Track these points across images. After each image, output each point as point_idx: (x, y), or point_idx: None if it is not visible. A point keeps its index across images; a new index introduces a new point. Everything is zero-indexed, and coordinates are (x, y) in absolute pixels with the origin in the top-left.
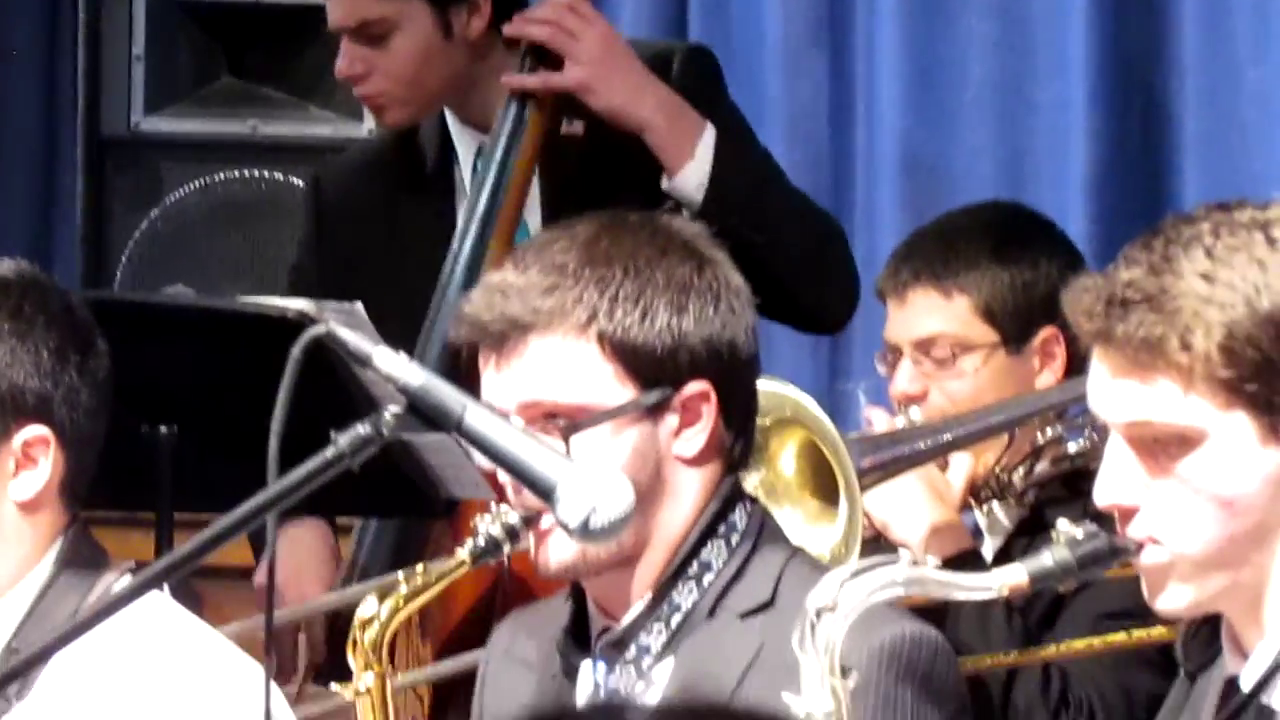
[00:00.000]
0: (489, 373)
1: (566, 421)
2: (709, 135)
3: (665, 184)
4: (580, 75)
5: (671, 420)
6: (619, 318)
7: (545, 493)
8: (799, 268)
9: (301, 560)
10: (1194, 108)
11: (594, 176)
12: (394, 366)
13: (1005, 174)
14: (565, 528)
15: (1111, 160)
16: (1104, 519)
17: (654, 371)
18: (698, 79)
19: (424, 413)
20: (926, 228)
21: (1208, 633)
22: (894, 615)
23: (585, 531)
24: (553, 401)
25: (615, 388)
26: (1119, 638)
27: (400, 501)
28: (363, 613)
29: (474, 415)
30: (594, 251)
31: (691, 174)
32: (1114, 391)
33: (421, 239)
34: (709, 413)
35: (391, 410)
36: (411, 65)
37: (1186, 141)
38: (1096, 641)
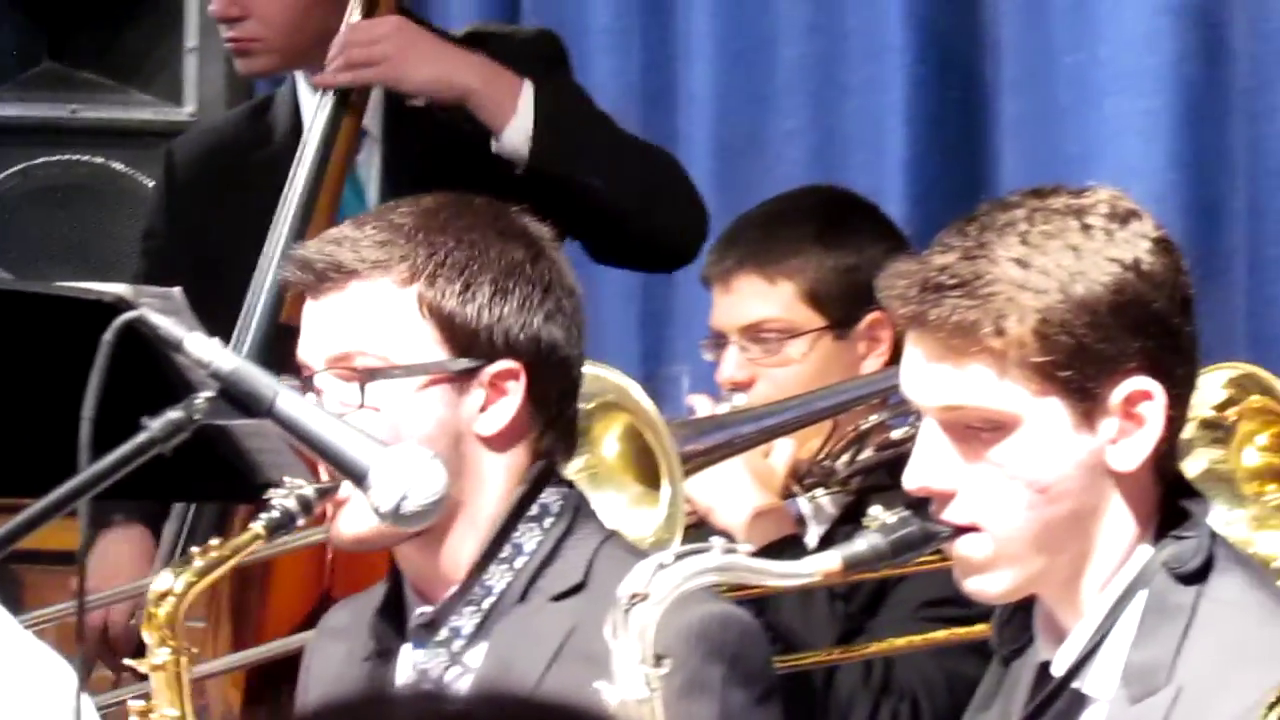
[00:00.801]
0: (306, 315)
1: (365, 370)
2: (528, 90)
3: (494, 145)
4: (384, 69)
5: (477, 395)
6: (440, 284)
7: (358, 477)
8: (642, 201)
9: (117, 562)
10: (1011, 91)
11: (441, 150)
12: (205, 352)
13: (820, 157)
14: (378, 511)
15: (928, 143)
16: (924, 505)
17: (466, 344)
18: (547, 60)
19: (235, 398)
20: (750, 213)
21: (1021, 618)
22: (703, 596)
23: (397, 515)
24: (360, 350)
25: (427, 347)
26: (940, 635)
27: (218, 486)
28: (157, 587)
29: (285, 400)
30: (431, 219)
31: (517, 129)
32: (928, 376)
33: (268, 212)
34: (515, 392)
35: (203, 395)
36: (289, 12)
37: (1003, 124)
38: (918, 639)
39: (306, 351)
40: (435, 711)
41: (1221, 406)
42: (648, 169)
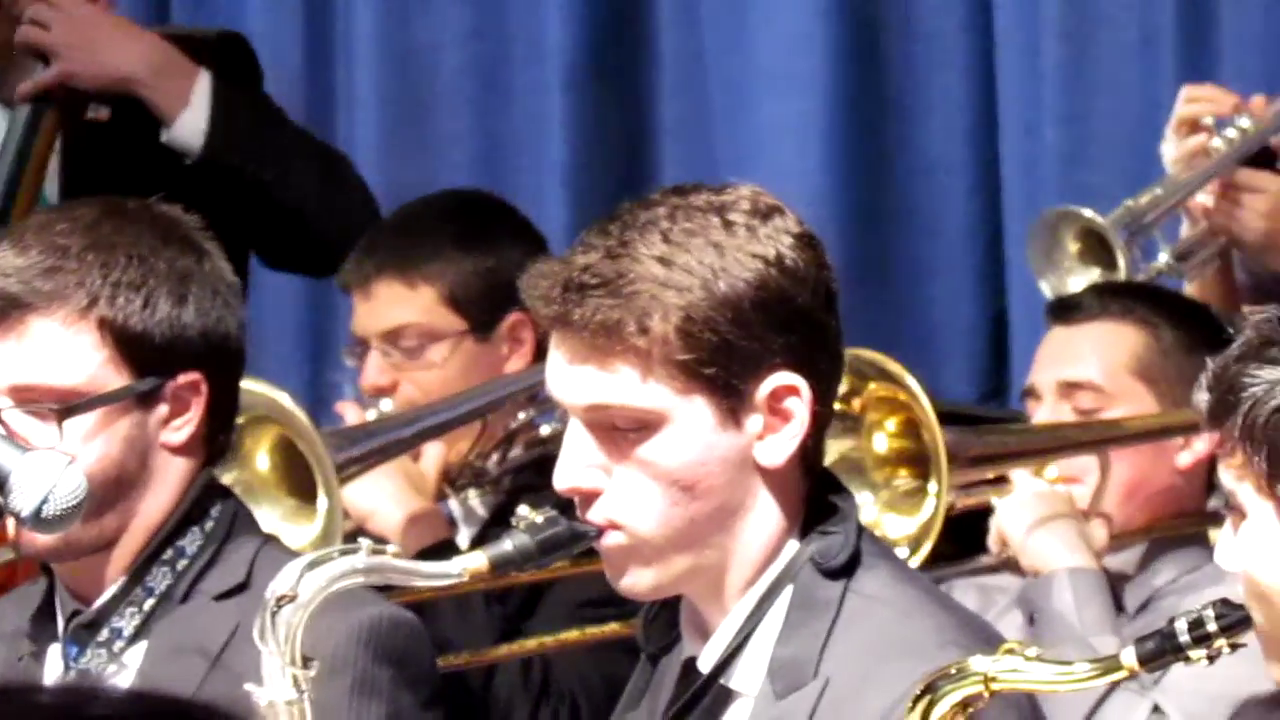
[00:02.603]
0: None
1: (59, 405)
2: (204, 80)
3: (164, 135)
4: (59, 66)
5: (162, 409)
6: (120, 304)
7: None
8: (314, 198)
9: None
10: (669, 95)
11: (119, 160)
12: None
13: (484, 161)
14: (17, 516)
15: (588, 146)
16: (573, 504)
17: (151, 359)
18: (236, 61)
19: None
20: (388, 219)
21: (668, 615)
22: (371, 597)
23: (37, 520)
24: (47, 385)
25: (110, 374)
26: (596, 630)
27: None
28: None
29: None
30: (97, 235)
31: (190, 120)
32: (572, 376)
33: None
34: (199, 404)
35: None
36: None
37: (662, 128)
38: (574, 633)
39: None
40: (81, 707)
41: (845, 398)
42: (323, 169)
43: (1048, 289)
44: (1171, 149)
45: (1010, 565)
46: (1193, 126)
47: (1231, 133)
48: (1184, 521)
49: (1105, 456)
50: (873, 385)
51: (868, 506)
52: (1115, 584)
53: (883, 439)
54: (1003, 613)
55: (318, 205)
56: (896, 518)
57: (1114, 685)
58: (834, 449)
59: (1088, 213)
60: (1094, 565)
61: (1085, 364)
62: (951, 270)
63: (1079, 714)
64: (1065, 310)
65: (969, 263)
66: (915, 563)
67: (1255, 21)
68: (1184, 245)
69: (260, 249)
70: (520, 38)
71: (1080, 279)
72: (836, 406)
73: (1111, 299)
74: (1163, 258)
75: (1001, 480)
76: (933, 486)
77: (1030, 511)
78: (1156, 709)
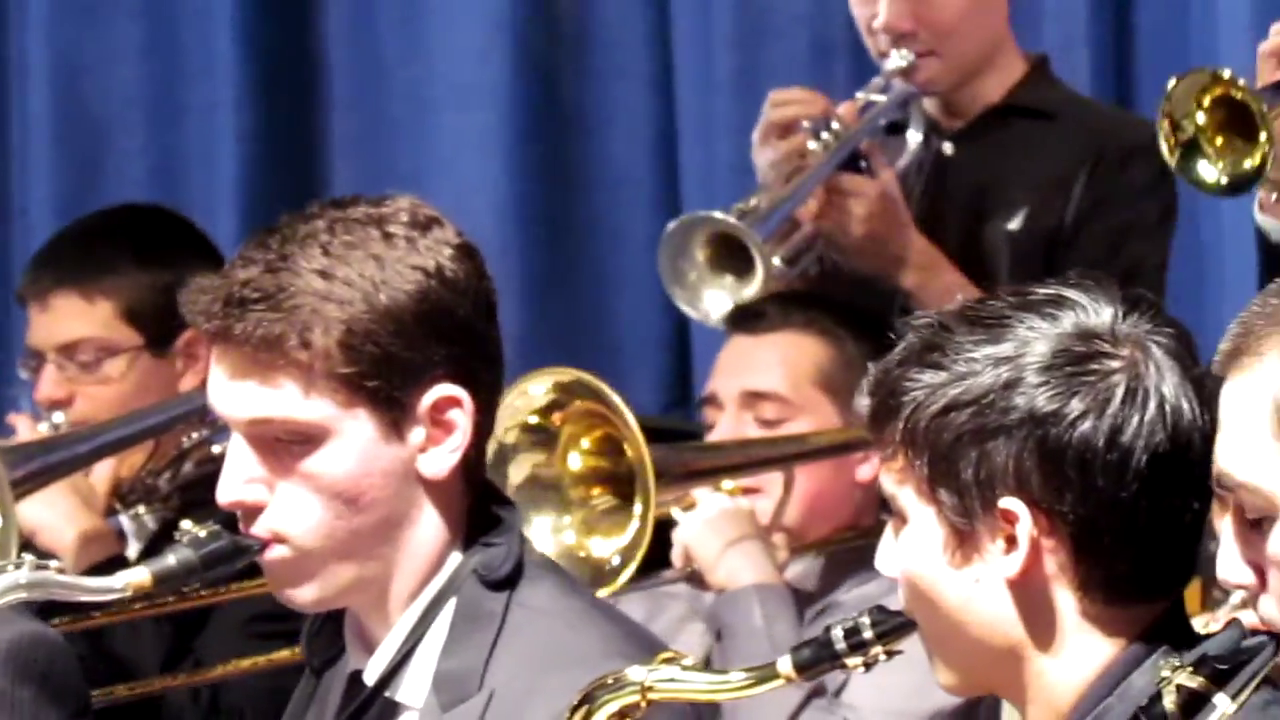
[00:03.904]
0: None
1: None
2: None
3: None
4: None
5: None
6: None
7: None
8: None
9: None
10: (343, 107)
11: None
12: None
13: (160, 176)
14: None
15: (261, 160)
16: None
17: None
18: None
19: None
20: (64, 231)
21: (332, 628)
22: (12, 616)
23: None
24: None
25: None
26: (265, 658)
27: None
28: None
29: None
30: None
31: None
32: (234, 391)
33: None
34: None
35: None
36: None
37: (336, 140)
38: (258, 660)
39: None
40: None
41: (546, 412)
42: None
43: (681, 302)
44: (764, 154)
45: (695, 580)
46: (784, 130)
47: (826, 137)
48: (861, 533)
49: (790, 470)
50: (579, 402)
51: (568, 530)
52: (796, 597)
53: (578, 457)
54: (682, 621)
55: None
56: (601, 540)
57: (805, 702)
58: (525, 465)
59: (720, 216)
60: (780, 581)
61: (769, 374)
62: (636, 281)
63: None
64: (748, 319)
65: (651, 274)
66: (623, 582)
67: None
68: (792, 249)
69: None
70: (194, 53)
71: (715, 289)
72: (534, 422)
73: (795, 309)
74: (774, 261)
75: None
76: (638, 507)
77: (716, 529)
78: None
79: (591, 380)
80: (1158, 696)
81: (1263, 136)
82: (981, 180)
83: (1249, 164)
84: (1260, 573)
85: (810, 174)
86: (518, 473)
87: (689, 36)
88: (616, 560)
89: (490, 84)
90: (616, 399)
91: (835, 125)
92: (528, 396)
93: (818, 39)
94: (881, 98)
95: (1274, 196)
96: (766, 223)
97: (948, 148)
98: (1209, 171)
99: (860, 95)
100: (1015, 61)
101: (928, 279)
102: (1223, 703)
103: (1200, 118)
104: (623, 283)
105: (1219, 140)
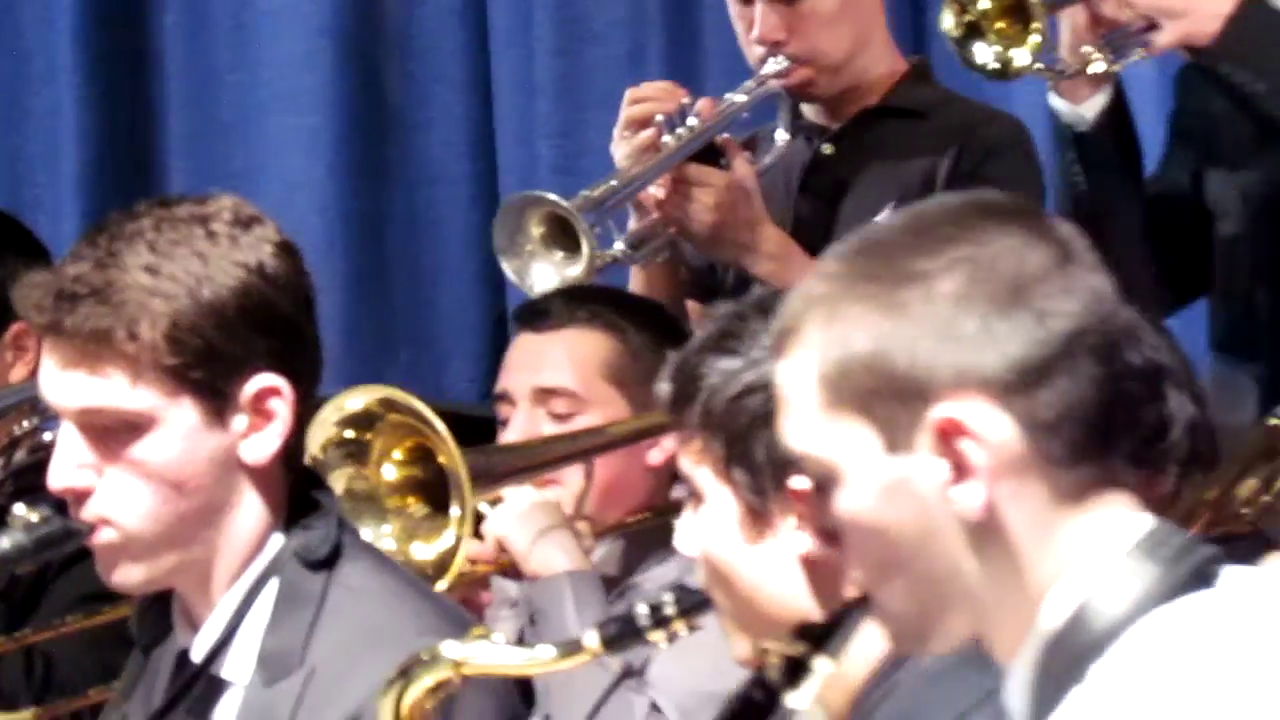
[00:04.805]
0: None
1: None
2: None
3: None
4: None
5: None
6: None
7: None
8: None
9: None
10: (177, 109)
11: None
12: None
13: (4, 178)
14: None
15: (101, 160)
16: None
17: None
18: None
19: None
20: None
21: (159, 608)
22: None
23: None
24: None
25: None
26: (95, 619)
27: None
28: None
29: None
30: None
31: None
32: (64, 381)
33: None
34: None
35: None
36: None
37: (172, 141)
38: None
39: None
40: None
41: (360, 425)
42: None
43: (511, 271)
44: (620, 149)
45: (509, 571)
46: (641, 124)
47: (681, 130)
48: (655, 513)
49: (590, 462)
50: (393, 416)
51: (387, 539)
52: (601, 580)
53: (391, 468)
54: (494, 609)
55: None
56: (421, 544)
57: (616, 684)
58: (341, 479)
59: (552, 197)
60: (588, 567)
61: (558, 371)
62: (454, 276)
63: (581, 713)
64: (534, 317)
65: (470, 269)
66: (443, 586)
67: (734, 38)
68: (636, 234)
69: None
70: (36, 55)
71: (544, 263)
72: (348, 436)
73: (579, 305)
74: (618, 246)
75: None
76: (455, 511)
77: (527, 521)
78: (655, 707)
79: (403, 396)
80: (760, 670)
81: (1035, 28)
82: (856, 177)
83: (1016, 52)
84: (835, 537)
85: (653, 164)
86: (334, 487)
87: (507, 43)
88: (437, 564)
89: (316, 88)
90: (429, 413)
91: (692, 120)
92: (341, 411)
93: (633, 44)
94: (745, 97)
95: (1079, 68)
96: (600, 208)
97: (827, 148)
98: (984, 54)
99: (729, 96)
100: (894, 64)
101: (781, 269)
102: (822, 665)
103: (985, 3)
104: (442, 277)
105: (999, 25)
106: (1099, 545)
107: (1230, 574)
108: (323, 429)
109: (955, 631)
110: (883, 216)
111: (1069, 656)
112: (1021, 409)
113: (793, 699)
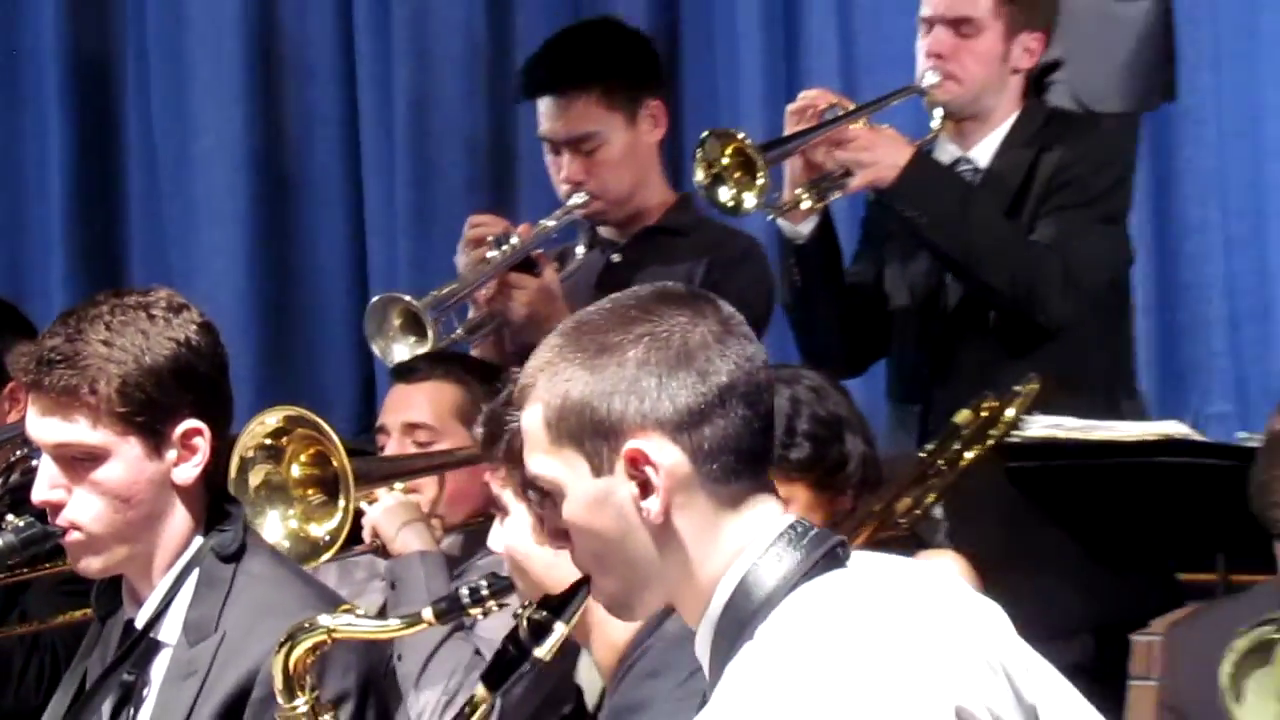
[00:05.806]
0: None
1: None
2: None
3: None
4: None
5: None
6: None
7: None
8: None
9: None
10: (136, 222)
11: None
12: None
13: (7, 271)
14: None
15: (83, 260)
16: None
17: None
18: None
19: None
20: None
21: (113, 588)
22: None
23: None
24: None
25: None
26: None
27: None
28: None
29: None
30: None
31: None
32: (44, 424)
33: None
34: None
35: None
36: None
37: (133, 249)
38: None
39: None
40: None
41: (276, 436)
42: None
43: (378, 350)
44: (462, 259)
45: (380, 551)
46: (477, 242)
47: (506, 247)
48: (486, 518)
49: (442, 475)
50: (301, 429)
51: (294, 519)
52: (447, 562)
53: (298, 468)
54: (365, 582)
55: None
56: (316, 525)
57: (448, 635)
58: (261, 473)
59: (406, 297)
60: (437, 550)
61: (422, 411)
62: (335, 347)
63: (422, 656)
64: (406, 372)
65: (348, 342)
66: (328, 558)
67: (548, 178)
68: (472, 322)
69: None
70: (30, 184)
71: (402, 345)
72: (268, 442)
73: (437, 364)
74: (458, 330)
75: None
76: (341, 501)
77: (393, 514)
78: (477, 651)
79: (309, 414)
80: (515, 629)
81: (759, 177)
82: (637, 280)
83: (746, 195)
84: (566, 536)
85: (485, 272)
86: (255, 478)
87: (376, 173)
88: (327, 539)
89: (236, 211)
90: (327, 427)
91: (514, 239)
92: (264, 424)
93: (472, 179)
94: (554, 222)
95: (793, 205)
96: (443, 304)
97: (615, 257)
98: (725, 195)
99: (542, 221)
100: (665, 195)
101: None
102: (559, 627)
103: (725, 160)
104: (326, 349)
105: (737, 175)
106: (753, 537)
107: (859, 556)
108: (250, 436)
109: (652, 604)
110: (593, 305)
111: (736, 621)
112: (688, 443)
113: (538, 651)
